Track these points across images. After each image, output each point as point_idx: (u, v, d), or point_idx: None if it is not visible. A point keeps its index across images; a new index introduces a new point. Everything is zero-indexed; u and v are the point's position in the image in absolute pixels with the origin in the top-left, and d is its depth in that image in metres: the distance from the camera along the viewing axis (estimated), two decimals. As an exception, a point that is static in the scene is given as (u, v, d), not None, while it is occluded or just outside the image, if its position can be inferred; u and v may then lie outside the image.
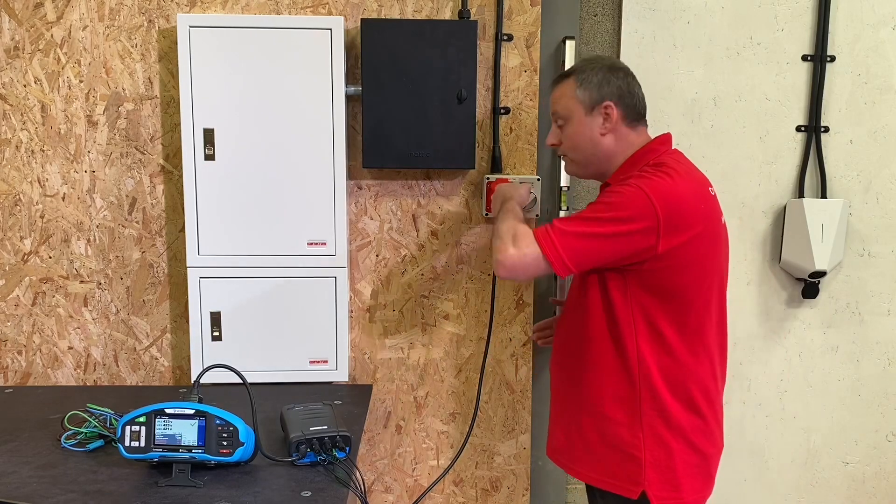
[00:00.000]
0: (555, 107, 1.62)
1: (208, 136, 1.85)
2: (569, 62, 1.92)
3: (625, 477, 1.53)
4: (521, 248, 1.46)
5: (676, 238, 1.44)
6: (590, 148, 1.58)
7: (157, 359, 2.03)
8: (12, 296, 1.98)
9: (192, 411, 1.37)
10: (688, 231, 1.45)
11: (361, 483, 1.44)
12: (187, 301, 1.93)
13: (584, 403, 1.58)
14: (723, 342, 1.61)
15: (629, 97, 1.57)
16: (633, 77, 1.59)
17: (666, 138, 1.60)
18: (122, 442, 1.37)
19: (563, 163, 1.96)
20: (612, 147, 1.57)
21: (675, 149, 1.61)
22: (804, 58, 2.04)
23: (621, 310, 1.50)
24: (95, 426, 1.57)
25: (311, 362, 1.95)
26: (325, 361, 1.95)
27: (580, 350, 1.58)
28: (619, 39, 2.02)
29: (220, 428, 1.38)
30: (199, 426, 1.37)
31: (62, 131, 1.92)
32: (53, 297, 1.98)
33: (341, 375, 1.97)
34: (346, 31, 1.88)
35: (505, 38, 1.92)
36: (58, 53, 1.89)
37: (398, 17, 1.90)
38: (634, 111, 1.58)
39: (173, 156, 1.94)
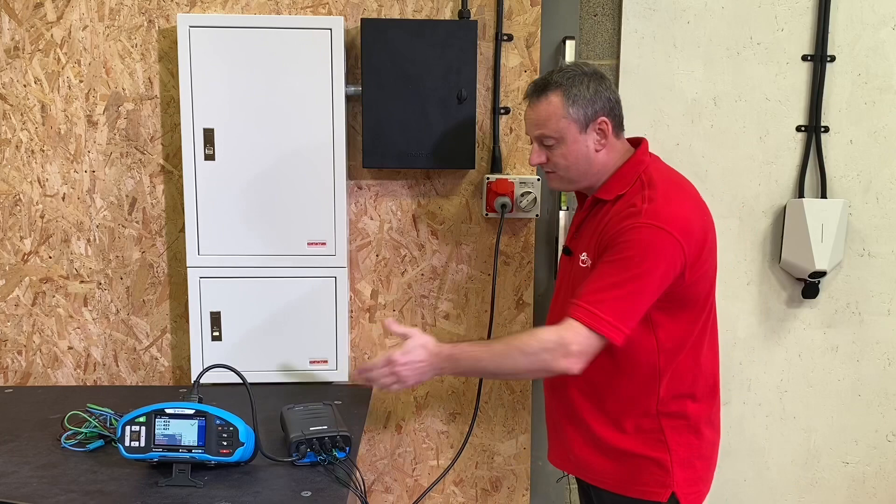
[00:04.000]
0: (541, 129, 1.50)
1: (208, 136, 1.85)
2: (569, 62, 1.91)
3: (653, 481, 1.52)
4: (567, 344, 1.39)
5: (698, 261, 1.46)
6: (584, 165, 1.52)
7: (157, 359, 2.03)
8: (12, 296, 1.98)
9: (192, 411, 1.37)
10: (703, 249, 1.48)
11: (361, 483, 1.44)
12: (187, 301, 1.93)
13: (602, 413, 1.56)
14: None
15: (617, 107, 1.53)
16: (610, 80, 1.54)
17: (646, 145, 1.57)
18: (122, 442, 1.37)
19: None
20: (605, 160, 1.53)
21: (652, 153, 1.58)
22: (804, 58, 2.04)
23: (642, 326, 1.47)
24: (95, 426, 1.58)
25: (311, 362, 1.95)
26: (325, 361, 1.95)
27: (597, 362, 1.48)
28: (619, 39, 2.02)
29: (220, 428, 1.38)
30: (199, 426, 1.37)
31: (62, 131, 1.92)
32: (53, 297, 1.98)
33: (341, 375, 1.97)
34: (346, 31, 1.88)
35: (505, 38, 1.92)
36: (58, 53, 1.89)
37: (398, 17, 1.90)
38: (620, 120, 1.54)
39: (173, 156, 1.94)
